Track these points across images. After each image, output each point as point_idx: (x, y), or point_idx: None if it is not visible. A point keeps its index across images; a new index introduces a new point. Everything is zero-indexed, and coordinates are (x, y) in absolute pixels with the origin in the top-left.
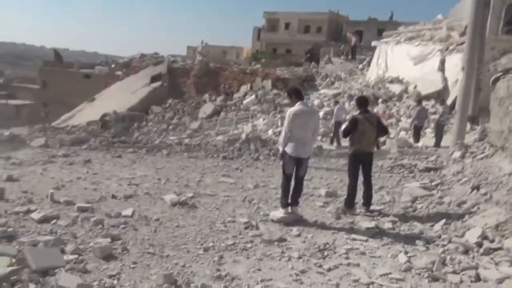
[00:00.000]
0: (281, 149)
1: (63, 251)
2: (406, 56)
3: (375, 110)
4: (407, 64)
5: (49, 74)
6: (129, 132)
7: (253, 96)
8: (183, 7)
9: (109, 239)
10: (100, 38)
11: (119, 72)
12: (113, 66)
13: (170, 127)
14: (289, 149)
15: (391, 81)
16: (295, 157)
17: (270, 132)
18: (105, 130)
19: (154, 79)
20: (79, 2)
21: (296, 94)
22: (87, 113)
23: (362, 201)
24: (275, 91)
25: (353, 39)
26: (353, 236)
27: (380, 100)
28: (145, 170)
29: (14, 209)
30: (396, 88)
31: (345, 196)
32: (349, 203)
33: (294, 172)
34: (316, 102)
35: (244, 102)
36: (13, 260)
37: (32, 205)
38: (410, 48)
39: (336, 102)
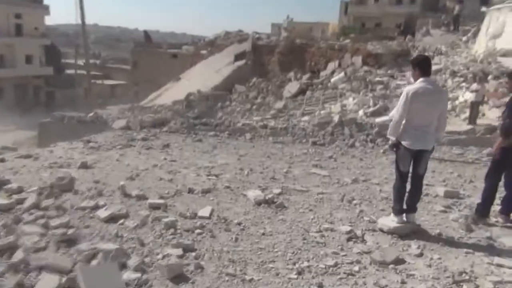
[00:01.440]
0: (393, 138)
1: (124, 266)
2: None
3: (486, 88)
4: None
5: (139, 55)
6: (213, 112)
7: (342, 74)
8: None
9: (180, 250)
10: (189, 19)
11: (204, 51)
12: (198, 45)
13: (254, 107)
14: (405, 139)
15: (504, 54)
16: (412, 150)
17: (360, 112)
18: (189, 109)
19: (238, 57)
20: None
21: (421, 66)
22: (173, 93)
23: (500, 207)
24: (365, 67)
25: (456, 7)
26: (496, 260)
27: (490, 77)
28: (226, 157)
29: (81, 204)
30: (510, 62)
31: (473, 199)
32: (483, 211)
33: (411, 169)
34: (412, 79)
35: (332, 80)
36: (64, 279)
37: (102, 198)
38: None
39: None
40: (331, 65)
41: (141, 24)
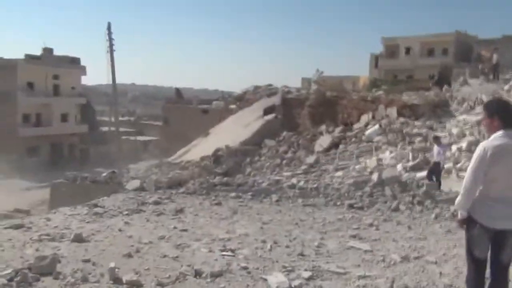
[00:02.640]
0: (463, 213)
1: None
2: None
3: None
4: None
5: (170, 111)
6: (242, 167)
7: (377, 126)
8: (297, 38)
9: None
10: (220, 75)
11: (233, 106)
12: (228, 100)
13: (284, 161)
14: (480, 214)
15: None
16: (491, 229)
17: (399, 167)
18: (217, 165)
19: (267, 111)
20: (196, 43)
21: (502, 114)
22: (201, 148)
23: None
24: (401, 119)
25: (495, 56)
26: None
27: None
28: (247, 225)
29: None
30: None
31: None
32: None
33: (491, 256)
34: (454, 130)
35: (366, 133)
36: None
37: (85, 286)
38: None
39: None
40: (365, 117)
41: (175, 82)
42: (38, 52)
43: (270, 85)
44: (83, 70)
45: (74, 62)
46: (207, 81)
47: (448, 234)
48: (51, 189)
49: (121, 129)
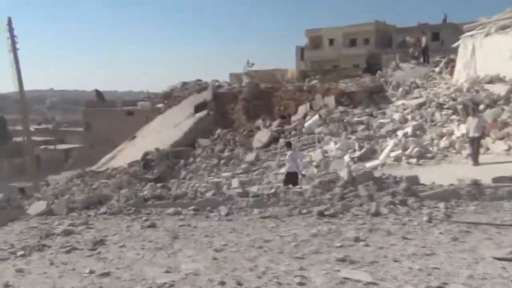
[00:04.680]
0: None
1: None
2: (504, 48)
3: (484, 119)
4: (507, 57)
5: (92, 115)
6: (175, 171)
7: (316, 117)
8: (220, 34)
9: None
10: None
11: (160, 105)
12: (154, 99)
13: (222, 161)
14: None
15: (490, 81)
16: None
17: (346, 158)
18: (148, 170)
19: (198, 108)
20: (118, 45)
21: None
22: (128, 153)
23: None
24: (340, 108)
25: (423, 39)
26: None
27: (482, 106)
28: (194, 257)
29: None
30: (499, 89)
31: None
32: None
33: None
34: (396, 116)
35: (306, 124)
36: None
37: None
38: (507, 39)
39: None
40: (302, 108)
41: (97, 86)
42: None
43: (199, 80)
44: None
45: None
46: (131, 83)
47: (457, 243)
48: None
49: (39, 138)
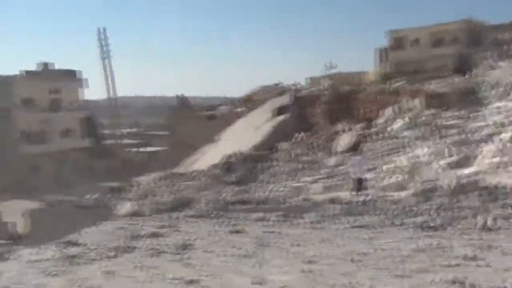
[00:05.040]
0: None
1: None
2: None
3: None
4: None
5: (175, 120)
6: (255, 175)
7: (404, 120)
8: (297, 36)
9: None
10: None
11: (240, 109)
12: (235, 103)
13: (302, 165)
14: None
15: None
16: None
17: (434, 165)
18: (229, 173)
19: (278, 111)
20: (198, 51)
21: None
22: (210, 156)
23: None
24: (430, 110)
25: None
26: None
27: None
28: (283, 267)
29: None
30: None
31: None
32: None
33: None
34: (493, 119)
35: (392, 128)
36: None
37: None
38: None
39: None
40: (387, 111)
41: (180, 91)
42: (33, 67)
43: (278, 83)
44: (83, 83)
45: (72, 75)
46: (211, 88)
47: None
48: (31, 218)
49: (127, 141)
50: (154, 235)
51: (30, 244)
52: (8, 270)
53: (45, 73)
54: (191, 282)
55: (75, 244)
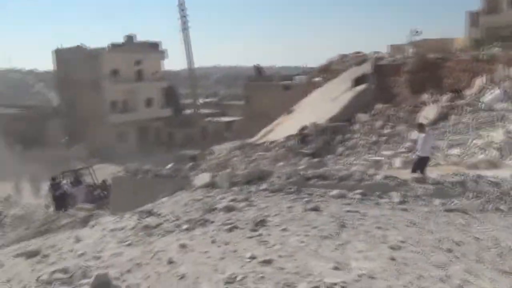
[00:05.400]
0: None
1: None
2: None
3: None
4: None
5: (251, 90)
6: (332, 147)
7: (498, 91)
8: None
9: None
10: (303, 51)
11: (317, 79)
12: (311, 73)
13: (382, 138)
14: None
15: None
16: None
17: None
18: (304, 145)
19: (357, 81)
20: (276, 19)
21: None
22: (285, 127)
23: None
24: None
25: None
26: None
27: None
28: (366, 253)
29: None
30: None
31: None
32: None
33: None
34: None
35: (484, 99)
36: None
37: None
38: None
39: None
40: (479, 81)
41: (257, 61)
42: (120, 39)
43: (358, 52)
44: (163, 54)
45: (154, 47)
46: (288, 58)
47: None
48: (113, 184)
49: (205, 111)
50: (229, 209)
51: (112, 211)
52: (89, 237)
53: (130, 45)
54: (265, 262)
55: (152, 214)
